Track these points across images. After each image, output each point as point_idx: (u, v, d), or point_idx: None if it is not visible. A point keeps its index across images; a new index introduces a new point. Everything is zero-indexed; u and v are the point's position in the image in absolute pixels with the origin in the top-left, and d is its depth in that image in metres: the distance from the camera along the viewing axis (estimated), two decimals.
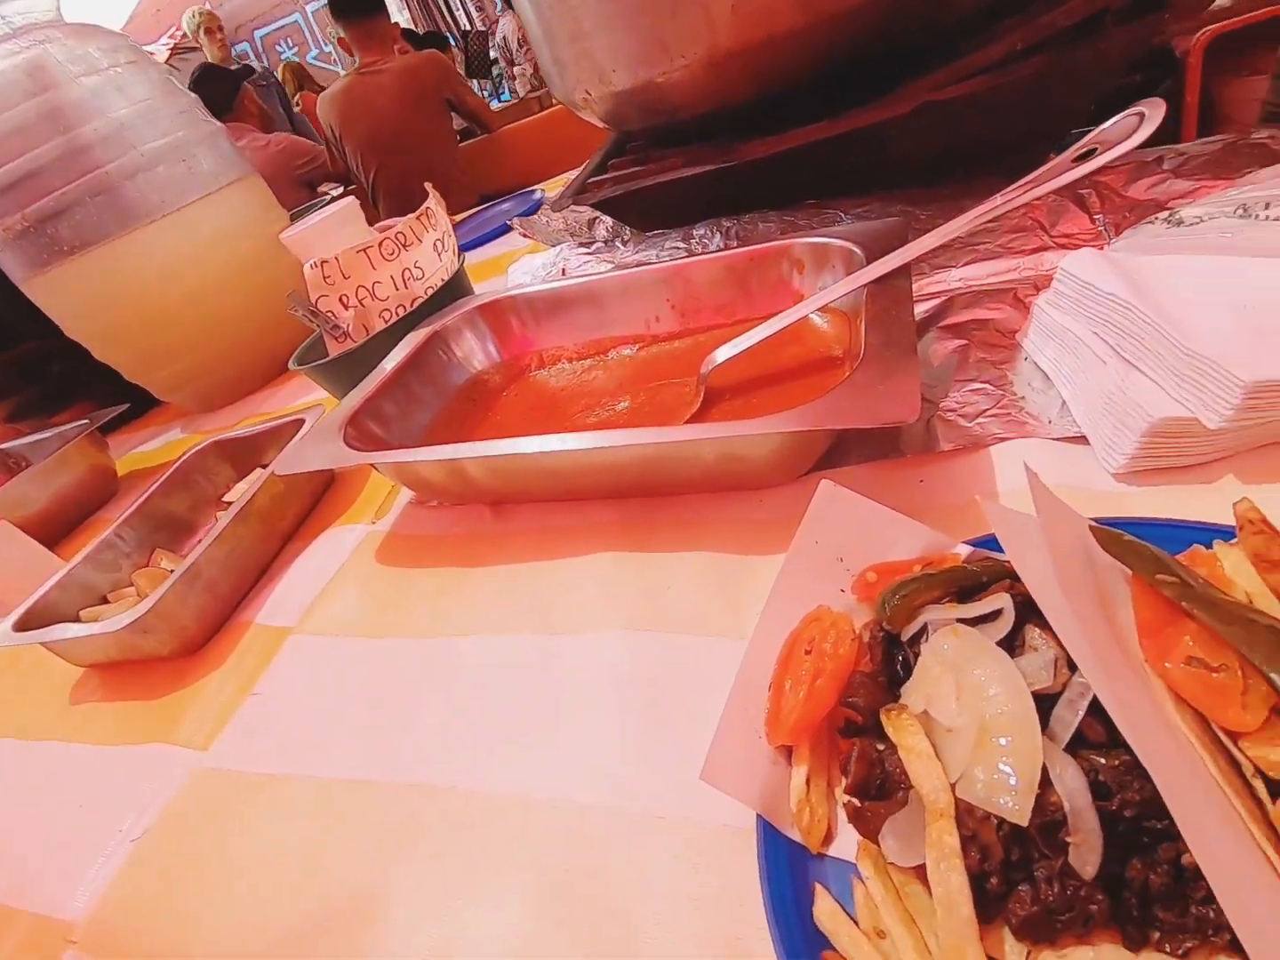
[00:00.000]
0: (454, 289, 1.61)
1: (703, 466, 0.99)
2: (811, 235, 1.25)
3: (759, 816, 0.64)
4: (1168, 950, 0.48)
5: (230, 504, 1.42)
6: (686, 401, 1.20)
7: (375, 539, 1.25)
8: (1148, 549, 0.58)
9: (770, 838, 0.63)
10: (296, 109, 6.93)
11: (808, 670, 0.70)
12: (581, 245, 1.79)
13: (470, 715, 0.89)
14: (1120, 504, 0.81)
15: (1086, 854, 0.49)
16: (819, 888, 0.59)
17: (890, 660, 0.71)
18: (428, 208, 1.74)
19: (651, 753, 0.77)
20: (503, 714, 0.88)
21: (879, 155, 1.50)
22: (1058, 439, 0.91)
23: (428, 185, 1.71)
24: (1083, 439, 0.89)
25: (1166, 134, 1.27)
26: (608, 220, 1.96)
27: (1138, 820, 0.49)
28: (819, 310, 1.28)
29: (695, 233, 1.63)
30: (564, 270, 1.71)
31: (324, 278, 1.68)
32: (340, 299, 1.72)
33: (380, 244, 1.73)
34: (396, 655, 1.01)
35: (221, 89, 4.63)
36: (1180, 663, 0.51)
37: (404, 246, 1.77)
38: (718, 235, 1.58)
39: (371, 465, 1.12)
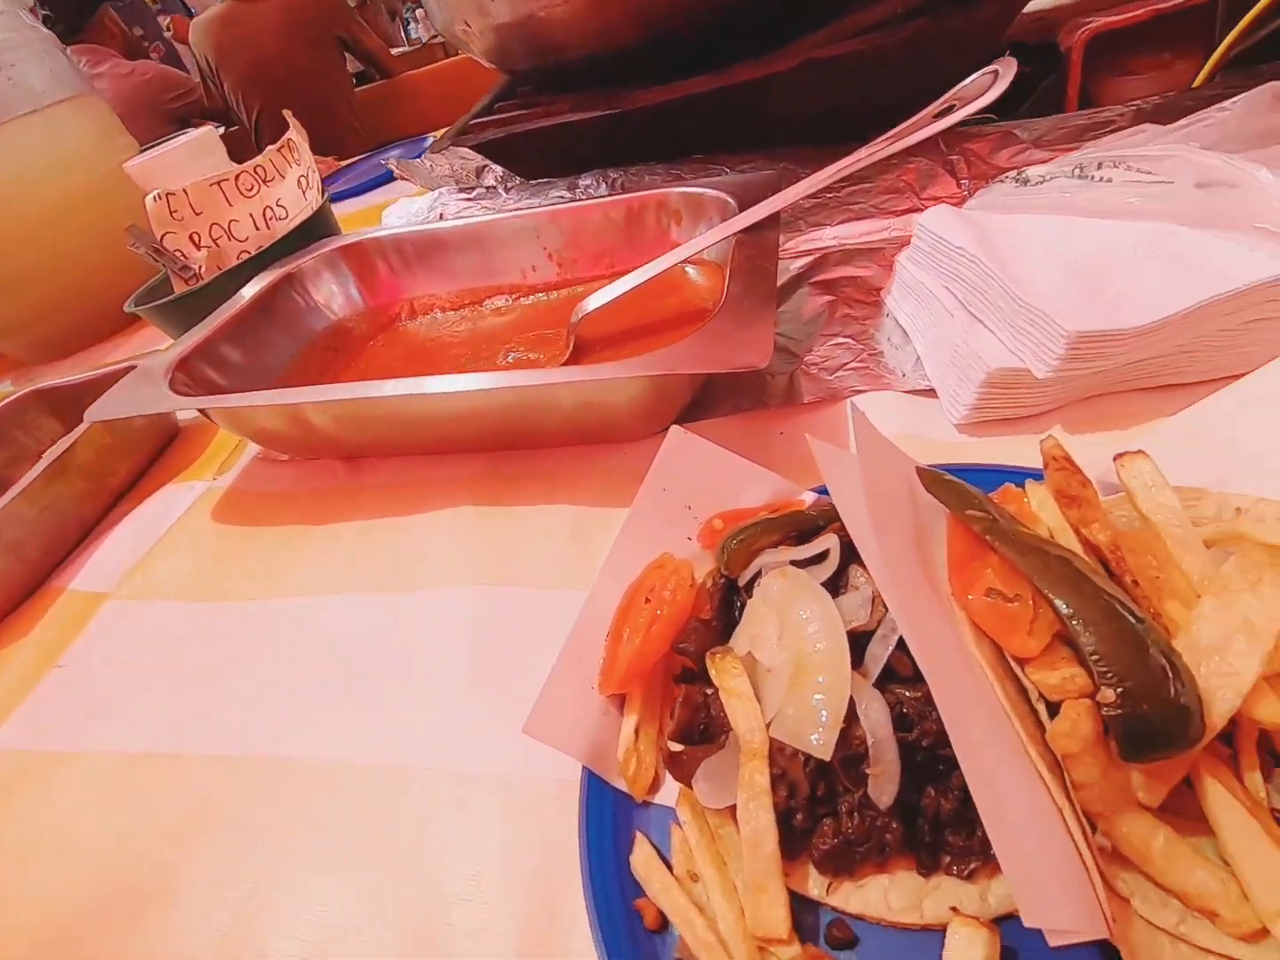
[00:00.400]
0: (315, 228, 1.49)
1: (563, 416, 0.95)
2: (687, 185, 1.22)
3: (584, 768, 0.61)
4: (955, 872, 0.50)
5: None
6: (559, 349, 1.16)
7: (214, 496, 1.14)
8: (963, 487, 0.59)
9: (594, 789, 0.61)
10: (167, 33, 6.24)
11: (645, 618, 0.68)
12: (462, 191, 1.69)
13: (299, 681, 0.82)
14: (960, 453, 0.83)
15: (884, 784, 0.49)
16: (639, 835, 0.57)
17: (729, 606, 0.70)
18: (289, 139, 1.60)
19: (492, 711, 0.74)
20: (337, 678, 0.82)
21: (764, 111, 1.48)
22: (910, 392, 0.92)
23: (287, 113, 1.56)
24: (933, 392, 0.90)
25: None
26: (497, 170, 1.87)
27: (934, 749, 0.50)
28: (694, 263, 1.26)
29: (581, 183, 1.57)
30: (441, 215, 1.61)
31: (170, 212, 1.51)
32: (191, 237, 1.55)
33: (237, 177, 1.57)
34: (226, 620, 0.93)
35: (73, 4, 4.11)
36: (981, 594, 0.51)
37: (264, 182, 1.62)
38: (604, 186, 1.53)
39: (204, 413, 1.02)
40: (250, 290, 1.28)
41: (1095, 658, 0.44)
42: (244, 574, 0.99)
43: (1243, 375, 0.69)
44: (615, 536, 0.75)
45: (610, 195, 1.49)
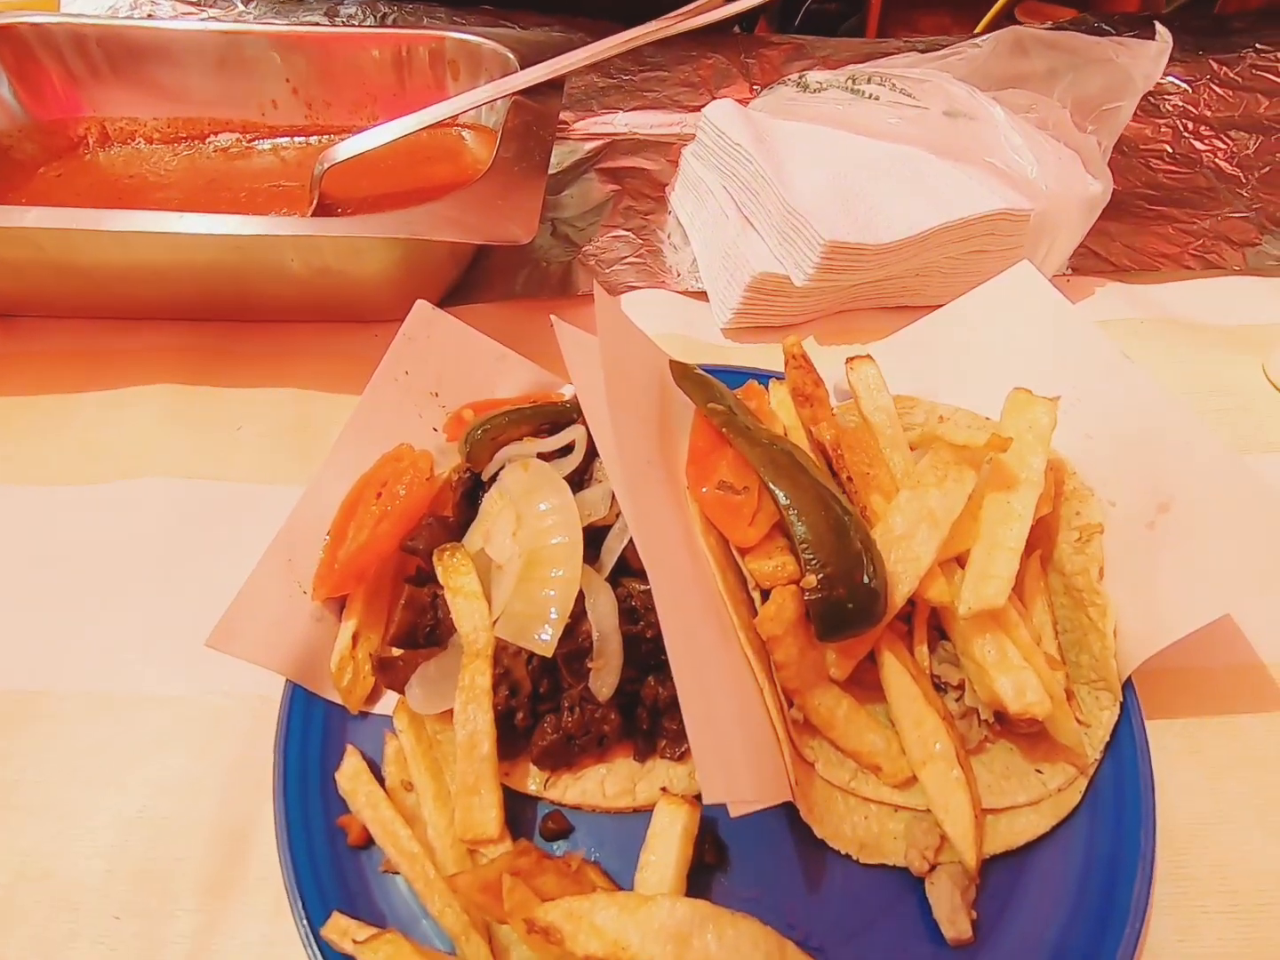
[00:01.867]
0: None
1: (295, 283, 0.80)
2: (467, 31, 1.06)
3: (288, 681, 0.54)
4: (669, 755, 0.51)
5: None
6: (298, 210, 0.97)
7: None
8: (710, 382, 0.58)
9: (300, 703, 0.53)
10: None
11: (373, 515, 0.60)
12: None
13: None
14: (723, 356, 0.83)
15: (605, 677, 0.48)
16: (349, 749, 0.51)
17: (473, 503, 0.64)
18: None
19: (185, 623, 0.62)
20: None
21: None
22: (683, 292, 0.90)
23: None
24: (705, 295, 0.89)
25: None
26: None
27: (658, 639, 0.50)
28: (470, 127, 1.12)
29: (343, 9, 1.31)
30: (150, 15, 1.26)
31: None
32: None
33: None
34: None
35: None
36: (713, 487, 0.51)
37: None
38: (370, 18, 1.29)
39: None
40: None
41: (804, 545, 0.46)
42: None
43: None
44: (346, 422, 0.65)
45: (376, 28, 1.26)
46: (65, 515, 0.70)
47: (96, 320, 0.87)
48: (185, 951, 0.46)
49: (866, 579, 0.45)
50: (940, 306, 0.82)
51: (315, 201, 0.96)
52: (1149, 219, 0.98)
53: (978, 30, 1.41)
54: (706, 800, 0.36)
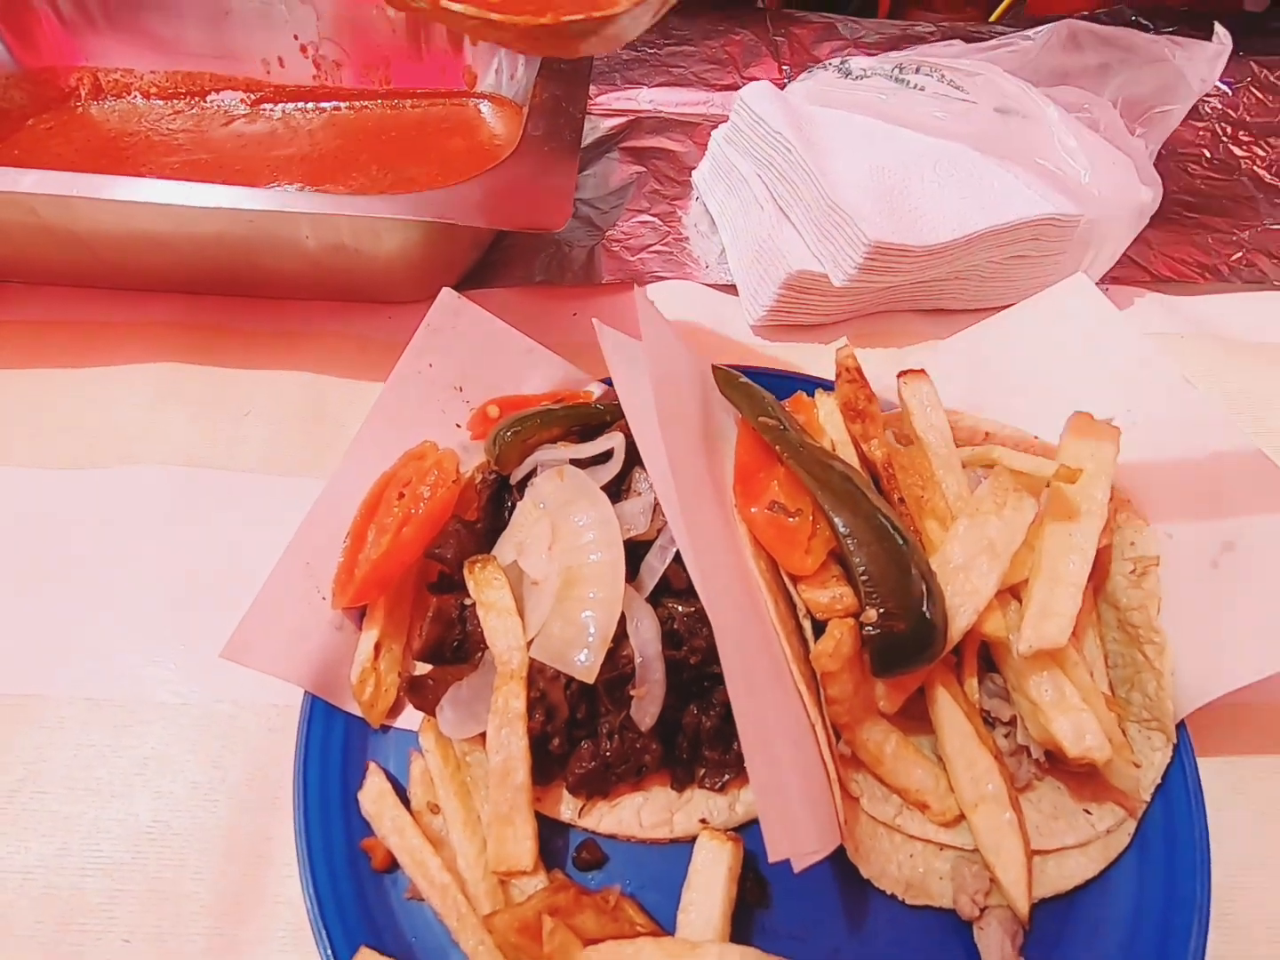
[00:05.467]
0: None
1: (308, 260, 0.75)
2: None
3: (306, 693, 0.51)
4: (708, 785, 0.49)
5: None
6: (310, 182, 0.92)
7: None
8: (757, 392, 0.55)
9: (319, 716, 0.51)
10: None
11: (396, 517, 0.57)
12: None
13: None
14: (753, 355, 0.80)
15: (648, 706, 0.46)
16: (371, 767, 0.49)
17: (498, 507, 0.61)
18: None
19: (193, 627, 0.59)
20: None
21: None
22: (711, 285, 0.87)
23: None
24: (733, 288, 0.86)
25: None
26: None
27: (702, 666, 0.47)
28: (488, 98, 1.06)
29: None
30: None
31: None
32: None
33: None
34: None
35: None
36: (764, 508, 0.48)
37: None
38: None
39: None
40: None
41: (864, 578, 0.44)
42: None
43: (1004, 307, 0.73)
44: (366, 416, 0.62)
45: None
46: (54, 501, 0.66)
47: (92, 290, 0.82)
48: None
49: (928, 614, 0.43)
50: (976, 310, 0.79)
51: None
52: (1188, 228, 0.96)
53: (996, 13, 1.35)
54: (772, 859, 0.34)
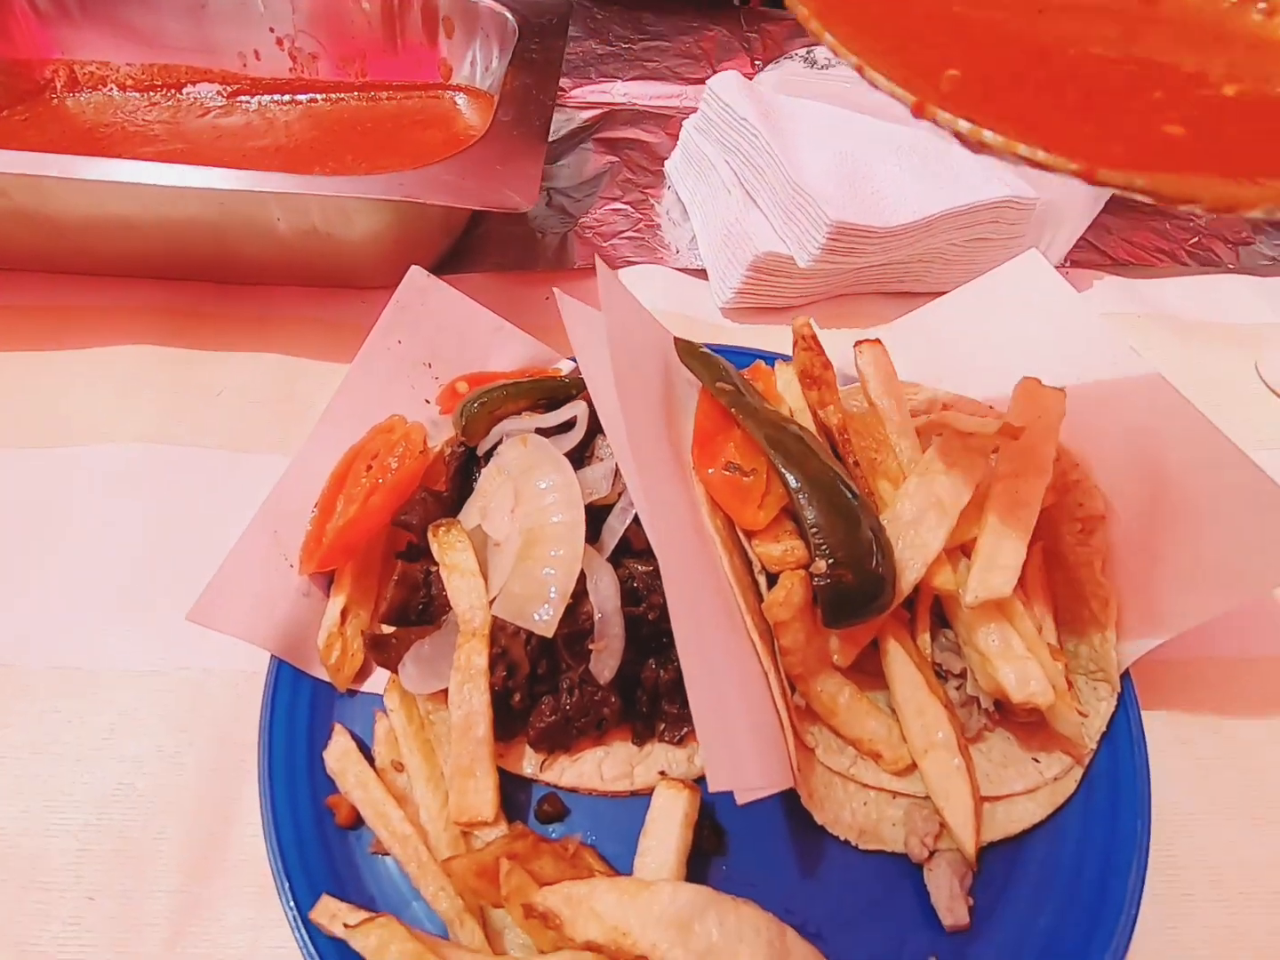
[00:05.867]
0: None
1: (280, 244, 0.76)
2: None
3: (273, 657, 0.52)
4: (668, 738, 0.50)
5: None
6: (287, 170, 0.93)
7: None
8: (717, 360, 0.57)
9: (285, 680, 0.52)
10: None
11: (363, 487, 0.58)
12: None
13: None
14: (722, 336, 0.82)
15: (607, 659, 0.47)
16: (338, 727, 0.50)
17: (467, 478, 0.62)
18: None
19: (163, 596, 0.59)
20: None
21: None
22: (682, 270, 0.89)
23: None
24: (704, 273, 0.88)
25: None
26: None
27: (661, 622, 0.49)
28: (464, 91, 1.07)
29: None
30: None
31: None
32: None
33: None
34: None
35: None
36: (720, 469, 0.49)
37: None
38: None
39: None
40: None
41: (814, 530, 0.45)
42: None
43: None
44: (336, 391, 0.62)
45: None
46: (28, 479, 0.67)
47: (64, 275, 0.82)
48: (165, 935, 0.45)
49: (875, 566, 0.45)
50: (940, 294, 0.81)
51: None
52: (1146, 214, 0.98)
53: None
54: (713, 788, 0.35)
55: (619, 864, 0.45)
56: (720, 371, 0.54)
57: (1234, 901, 0.47)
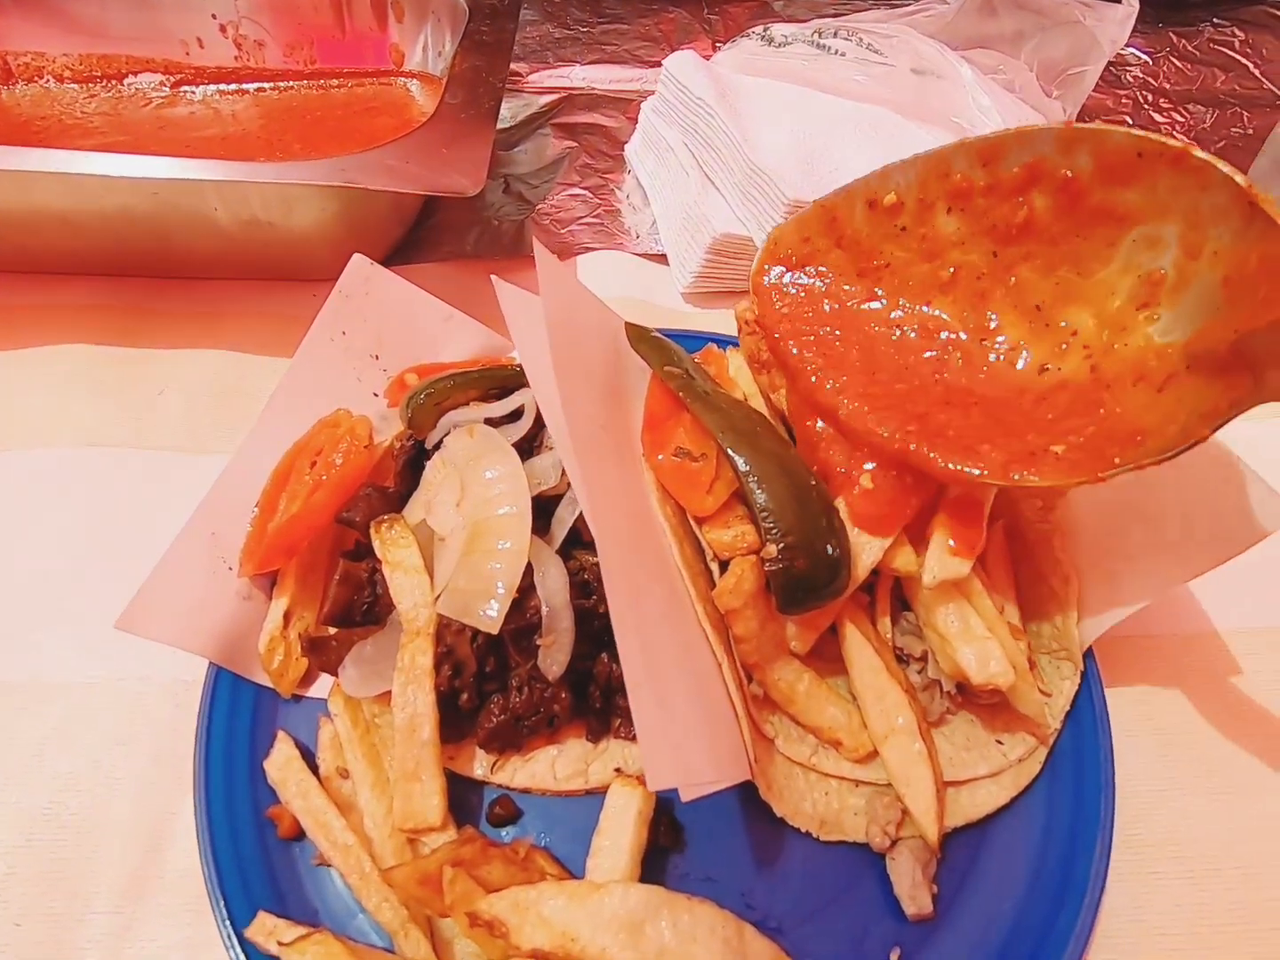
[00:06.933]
0: None
1: (222, 237, 0.73)
2: None
3: (212, 664, 0.50)
4: (624, 734, 0.49)
5: None
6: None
7: None
8: (667, 344, 0.55)
9: (225, 687, 0.49)
10: None
11: (306, 485, 0.56)
12: None
13: None
14: (683, 321, 0.80)
15: (556, 654, 0.45)
16: (281, 735, 0.48)
17: (415, 473, 0.60)
18: None
19: (96, 604, 0.56)
20: None
21: None
22: (642, 255, 0.87)
23: None
24: (664, 258, 0.86)
25: None
26: None
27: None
28: (417, 77, 1.05)
29: None
30: None
31: None
32: None
33: None
34: None
35: None
36: (669, 454, 0.48)
37: None
38: None
39: None
40: None
41: (764, 514, 0.43)
42: None
43: None
44: (277, 385, 0.60)
45: None
46: None
47: None
48: (98, 958, 0.43)
49: (829, 549, 0.43)
50: None
51: None
52: None
53: None
54: (652, 786, 0.34)
55: (575, 866, 0.44)
56: (670, 356, 0.53)
57: (1200, 878, 0.46)
